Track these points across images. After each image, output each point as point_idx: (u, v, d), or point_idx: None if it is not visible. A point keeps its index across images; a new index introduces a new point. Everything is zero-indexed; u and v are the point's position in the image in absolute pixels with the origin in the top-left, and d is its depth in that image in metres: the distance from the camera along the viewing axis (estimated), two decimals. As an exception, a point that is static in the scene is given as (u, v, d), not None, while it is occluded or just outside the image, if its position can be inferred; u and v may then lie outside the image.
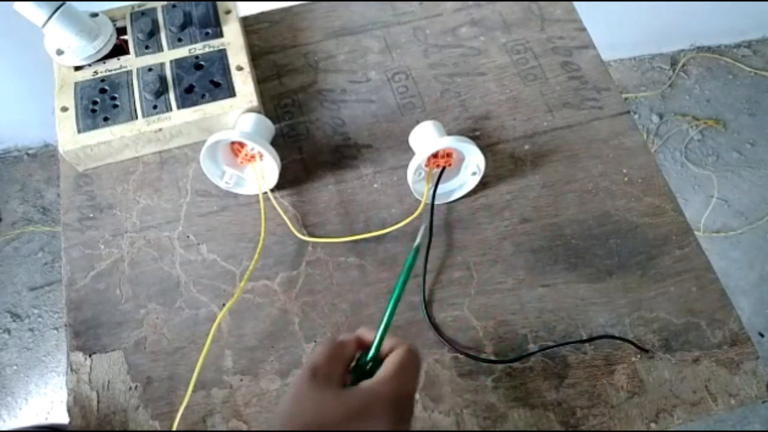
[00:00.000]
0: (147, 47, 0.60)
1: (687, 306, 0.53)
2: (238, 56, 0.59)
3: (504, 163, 0.59)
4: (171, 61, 0.59)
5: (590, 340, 0.51)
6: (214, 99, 0.57)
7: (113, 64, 0.59)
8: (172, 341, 0.52)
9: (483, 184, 0.57)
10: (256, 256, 0.53)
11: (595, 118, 0.61)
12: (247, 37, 0.65)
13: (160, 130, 0.56)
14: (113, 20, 0.61)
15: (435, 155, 0.55)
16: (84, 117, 0.56)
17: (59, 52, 0.58)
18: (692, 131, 1.55)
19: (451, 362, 0.51)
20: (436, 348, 0.52)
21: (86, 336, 0.52)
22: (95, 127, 0.56)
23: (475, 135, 0.60)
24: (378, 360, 0.38)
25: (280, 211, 0.55)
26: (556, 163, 0.59)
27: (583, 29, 0.66)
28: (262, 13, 0.68)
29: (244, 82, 0.58)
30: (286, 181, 0.58)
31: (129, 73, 0.58)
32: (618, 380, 0.50)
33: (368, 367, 0.38)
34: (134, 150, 0.59)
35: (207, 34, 0.60)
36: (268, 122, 0.57)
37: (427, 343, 0.52)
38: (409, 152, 0.59)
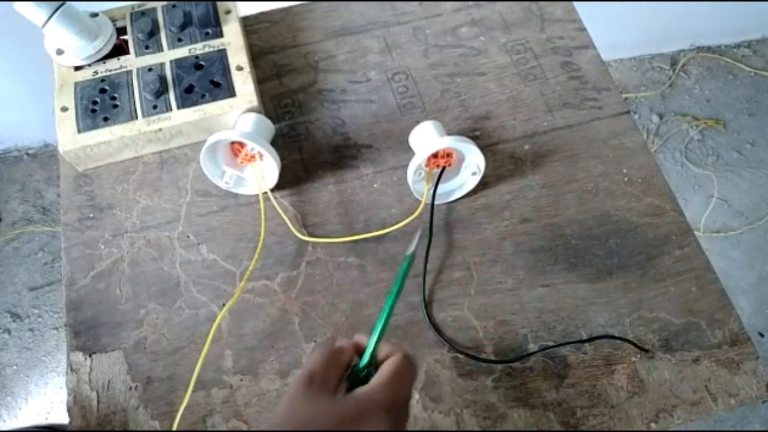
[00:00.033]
0: (147, 47, 0.60)
1: (687, 306, 0.53)
2: (238, 56, 0.59)
3: (504, 163, 0.59)
4: (171, 61, 0.59)
5: (590, 340, 0.51)
6: (214, 99, 0.57)
7: (113, 64, 0.59)
8: (172, 341, 0.52)
9: (483, 184, 0.57)
10: (256, 256, 0.53)
11: (595, 118, 0.61)
12: (247, 37, 0.65)
13: (160, 130, 0.56)
14: (113, 20, 0.61)
15: (435, 155, 0.55)
16: (84, 117, 0.56)
17: (59, 52, 0.58)
18: (692, 131, 1.55)
19: (451, 362, 0.51)
20: (436, 348, 0.52)
21: (86, 336, 0.52)
22: (95, 127, 0.56)
23: (475, 135, 0.60)
24: (374, 366, 0.38)
25: (280, 211, 0.55)
26: (556, 163, 0.59)
27: (583, 29, 0.66)
28: (262, 13, 0.68)
29: (244, 82, 0.58)
30: (286, 181, 0.58)
31: (129, 73, 0.58)
32: (618, 380, 0.50)
33: (363, 374, 0.38)
34: (134, 150, 0.59)
35: (207, 34, 0.60)
36: (268, 122, 0.57)
37: (427, 343, 0.52)
38: (409, 152, 0.59)
